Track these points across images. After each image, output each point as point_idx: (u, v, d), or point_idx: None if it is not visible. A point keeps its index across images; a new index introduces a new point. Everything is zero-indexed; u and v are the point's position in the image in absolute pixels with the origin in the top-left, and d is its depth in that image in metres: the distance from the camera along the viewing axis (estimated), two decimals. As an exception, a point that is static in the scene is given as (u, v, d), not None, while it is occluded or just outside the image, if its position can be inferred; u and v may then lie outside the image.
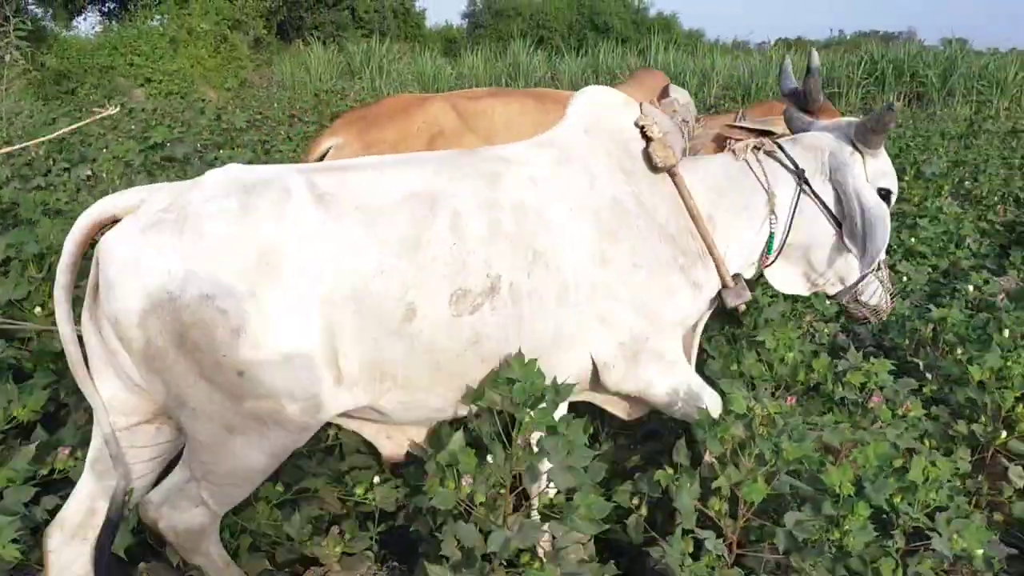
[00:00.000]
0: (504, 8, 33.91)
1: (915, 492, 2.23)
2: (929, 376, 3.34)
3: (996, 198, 6.84)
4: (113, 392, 2.18)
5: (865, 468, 2.30)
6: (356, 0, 28.96)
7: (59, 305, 2.12)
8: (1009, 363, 2.82)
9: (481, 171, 2.41)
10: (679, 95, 2.85)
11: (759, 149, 2.69)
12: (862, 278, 2.64)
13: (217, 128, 9.63)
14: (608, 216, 2.45)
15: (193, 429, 2.17)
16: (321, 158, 3.35)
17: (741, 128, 2.84)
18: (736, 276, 2.64)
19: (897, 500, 2.24)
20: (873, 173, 2.62)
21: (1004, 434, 2.79)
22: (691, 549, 2.26)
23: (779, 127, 2.87)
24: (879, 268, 2.70)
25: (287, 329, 2.09)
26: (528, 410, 2.07)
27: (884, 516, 2.31)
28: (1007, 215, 6.76)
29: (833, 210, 2.63)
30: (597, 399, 2.66)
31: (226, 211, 2.11)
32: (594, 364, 2.47)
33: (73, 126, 5.16)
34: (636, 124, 2.58)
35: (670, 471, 2.35)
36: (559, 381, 2.18)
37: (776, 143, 2.71)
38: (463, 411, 2.38)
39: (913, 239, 5.23)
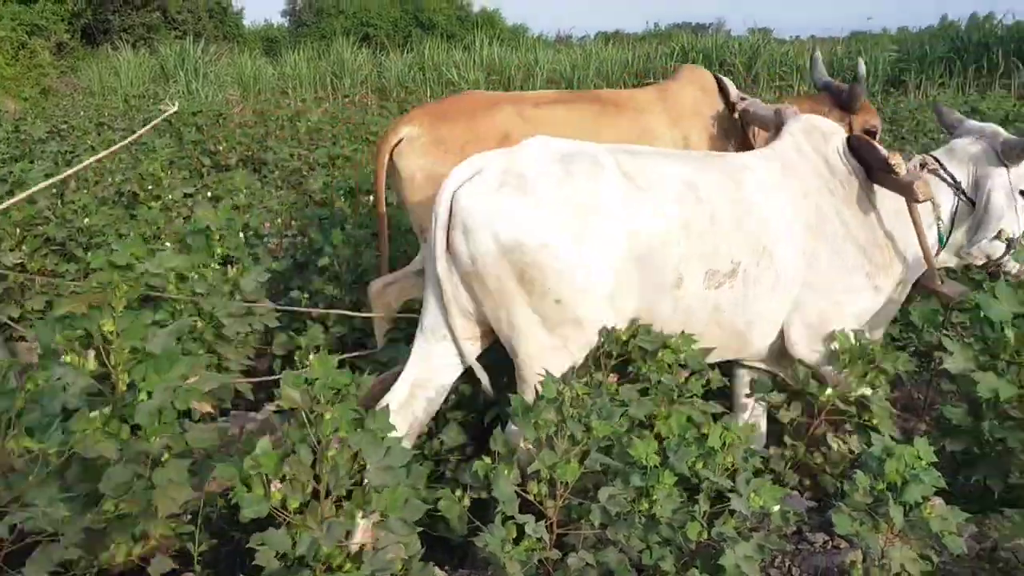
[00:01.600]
0: (326, 6, 33.24)
1: (714, 457, 2.36)
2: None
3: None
4: (455, 318, 2.84)
5: (669, 439, 2.42)
6: (167, 1, 27.58)
7: (440, 256, 2.74)
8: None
9: (730, 174, 2.99)
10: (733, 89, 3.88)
11: (924, 167, 3.21)
12: (1005, 254, 3.23)
13: (15, 140, 8.97)
14: (815, 223, 3.03)
15: (516, 343, 2.80)
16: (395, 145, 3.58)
17: None
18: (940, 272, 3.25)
19: (700, 466, 2.37)
20: (1016, 179, 3.21)
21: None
22: (514, 535, 2.31)
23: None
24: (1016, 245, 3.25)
25: (593, 273, 2.71)
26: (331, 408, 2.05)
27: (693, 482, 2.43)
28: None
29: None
30: (763, 364, 3.25)
31: (553, 175, 2.73)
32: (781, 338, 3.09)
33: (142, 130, 4.75)
34: (887, 161, 3.01)
35: (488, 460, 2.38)
36: (754, 351, 3.11)
37: (935, 159, 3.27)
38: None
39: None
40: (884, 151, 3.06)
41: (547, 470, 2.33)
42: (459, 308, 2.82)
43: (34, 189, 3.77)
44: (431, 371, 2.93)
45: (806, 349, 3.10)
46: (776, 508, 2.34)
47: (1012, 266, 3.28)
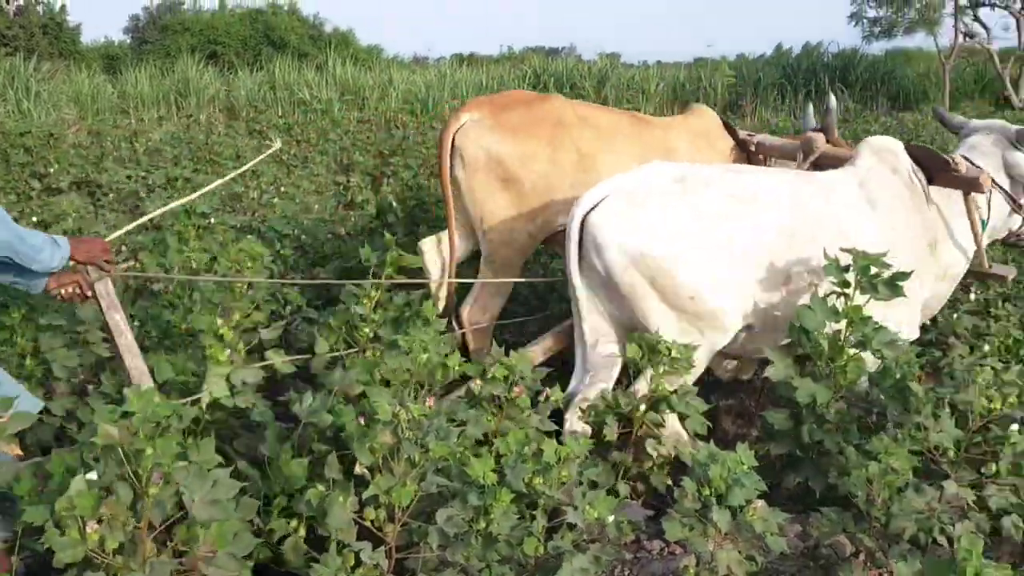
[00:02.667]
0: (171, 23, 32.01)
1: (550, 472, 2.40)
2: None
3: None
4: (593, 322, 3.33)
5: (506, 456, 2.44)
6: (-5, 15, 25.89)
7: (574, 270, 3.25)
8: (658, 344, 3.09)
9: (821, 192, 3.42)
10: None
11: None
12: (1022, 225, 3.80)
13: None
14: (888, 233, 3.37)
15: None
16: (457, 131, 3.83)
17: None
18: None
19: (536, 482, 2.40)
20: None
21: (642, 408, 3.06)
22: (352, 562, 2.26)
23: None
24: None
25: (718, 274, 3.14)
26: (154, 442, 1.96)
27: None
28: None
29: (1009, 191, 3.72)
30: None
31: (672, 194, 3.20)
32: None
33: (249, 164, 4.29)
34: (948, 163, 3.50)
35: (321, 488, 2.33)
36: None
37: (964, 157, 3.61)
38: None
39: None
40: (943, 155, 3.58)
41: (384, 495, 2.30)
42: (597, 313, 3.32)
43: None
44: (595, 374, 3.34)
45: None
46: (611, 519, 2.39)
47: None
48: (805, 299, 3.18)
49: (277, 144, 4.63)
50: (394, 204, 5.08)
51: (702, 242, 3.15)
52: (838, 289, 2.99)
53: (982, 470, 2.65)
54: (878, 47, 23.54)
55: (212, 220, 5.37)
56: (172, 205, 3.79)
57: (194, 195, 3.80)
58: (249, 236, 5.51)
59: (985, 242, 3.75)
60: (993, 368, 2.69)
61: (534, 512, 2.38)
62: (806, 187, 3.42)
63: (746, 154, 4.41)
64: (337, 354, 3.17)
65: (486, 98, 4.11)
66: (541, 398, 2.90)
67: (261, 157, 4.67)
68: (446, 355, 2.84)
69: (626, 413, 3.07)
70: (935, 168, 3.56)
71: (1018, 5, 19.54)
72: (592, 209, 3.19)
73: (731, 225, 3.19)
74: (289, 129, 13.41)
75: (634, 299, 3.19)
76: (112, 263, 2.97)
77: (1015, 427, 2.58)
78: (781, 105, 20.54)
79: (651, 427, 3.08)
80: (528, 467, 2.38)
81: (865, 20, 20.49)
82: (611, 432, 3.03)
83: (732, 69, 22.21)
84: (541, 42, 42.85)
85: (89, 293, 2.92)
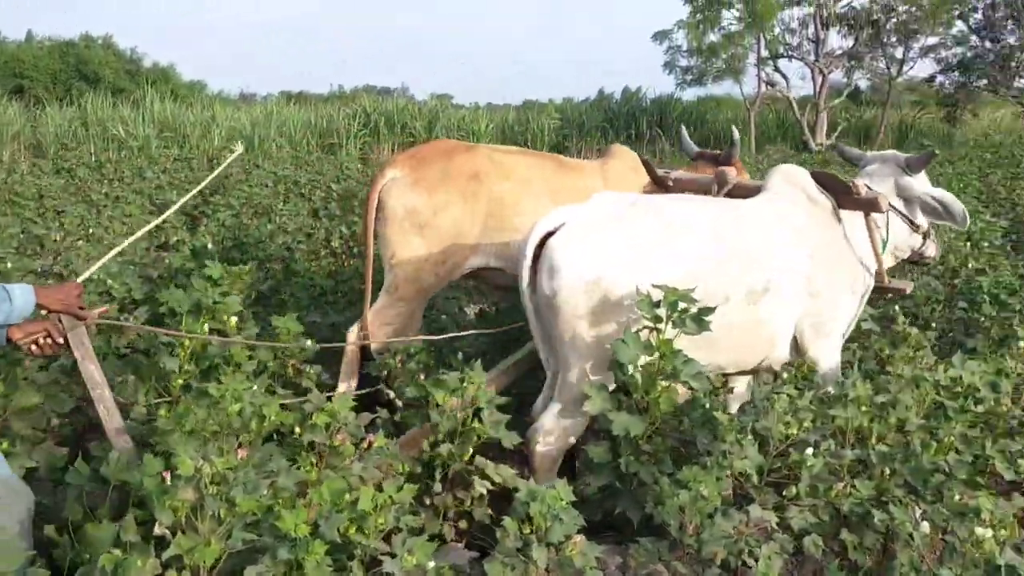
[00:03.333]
0: (-29, 56, 29.80)
1: (367, 520, 2.33)
2: (400, 403, 3.58)
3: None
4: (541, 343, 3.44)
5: (322, 507, 2.35)
6: None
7: (525, 291, 3.33)
8: (465, 383, 3.08)
9: (740, 217, 3.59)
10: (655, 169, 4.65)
11: None
12: (923, 244, 4.12)
13: None
14: (815, 252, 3.64)
15: (570, 359, 3.30)
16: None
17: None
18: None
19: (352, 532, 2.32)
20: (919, 184, 4.05)
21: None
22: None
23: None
24: (929, 235, 4.14)
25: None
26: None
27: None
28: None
29: (906, 212, 4.04)
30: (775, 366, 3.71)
31: (617, 220, 3.33)
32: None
33: (213, 174, 3.78)
34: (849, 186, 3.80)
35: (118, 553, 2.16)
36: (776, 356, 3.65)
37: (864, 183, 3.88)
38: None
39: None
40: (844, 180, 3.89)
41: (187, 555, 2.16)
42: (541, 334, 3.39)
43: None
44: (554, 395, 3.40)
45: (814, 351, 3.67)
46: (431, 565, 2.34)
47: (931, 251, 4.20)
48: (747, 317, 3.44)
49: (240, 149, 4.35)
50: (209, 246, 4.86)
51: (650, 267, 3.22)
52: (651, 324, 3.09)
53: (784, 493, 2.79)
54: (691, 93, 25.09)
55: (9, 264, 4.97)
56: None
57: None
58: (49, 281, 5.13)
59: (889, 261, 4.11)
60: (789, 395, 2.85)
61: (351, 563, 2.30)
62: (729, 215, 3.61)
63: (663, 190, 4.58)
64: (152, 403, 3.00)
65: (409, 153, 4.36)
66: (365, 444, 2.81)
67: (224, 165, 4.37)
68: (261, 405, 2.72)
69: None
70: (838, 192, 3.87)
71: (812, 57, 21.31)
72: (549, 235, 3.29)
73: (681, 251, 3.34)
74: (100, 167, 12.67)
75: (566, 320, 3.24)
76: (85, 309, 2.74)
77: (809, 451, 2.74)
78: (604, 146, 21.41)
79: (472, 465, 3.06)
80: (343, 516, 2.30)
81: (678, 68, 21.74)
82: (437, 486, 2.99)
83: (558, 112, 23.01)
84: (374, 81, 42.83)
85: (60, 342, 2.67)
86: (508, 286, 4.27)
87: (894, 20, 20.92)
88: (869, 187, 3.96)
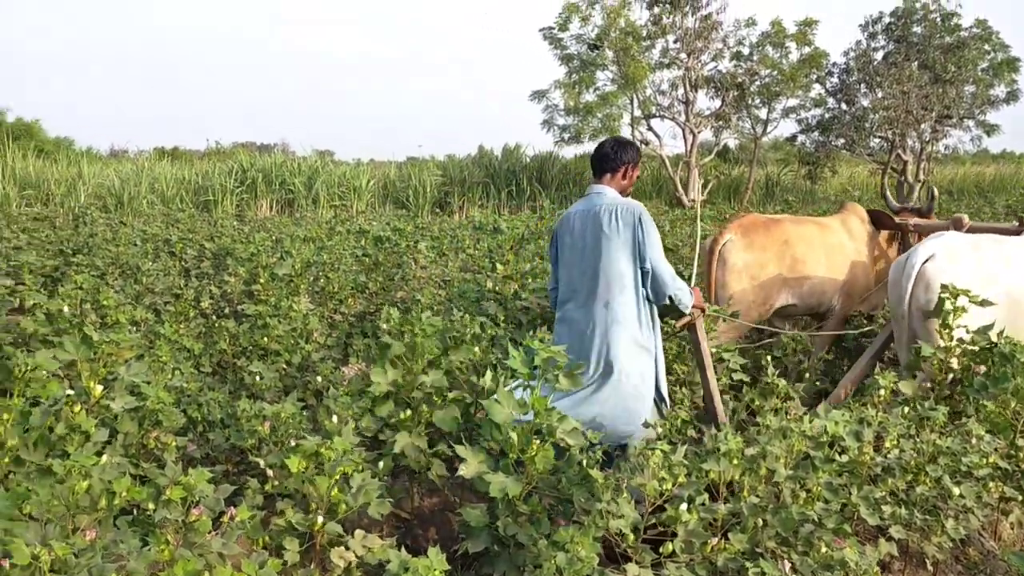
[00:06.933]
0: None
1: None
2: (271, 474, 3.41)
3: (347, 292, 7.50)
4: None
5: (176, 591, 2.19)
6: None
7: (905, 300, 4.75)
8: (323, 450, 2.97)
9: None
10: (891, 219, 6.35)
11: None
12: None
13: None
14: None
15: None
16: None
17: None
18: None
19: (209, 616, 2.17)
20: None
21: (320, 520, 2.89)
22: None
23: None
24: None
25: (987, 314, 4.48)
26: None
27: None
28: (357, 307, 7.47)
29: None
30: None
31: (970, 251, 4.77)
32: None
33: None
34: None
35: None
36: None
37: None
38: None
39: (266, 339, 5.42)
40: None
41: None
42: (907, 334, 4.72)
43: None
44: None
45: None
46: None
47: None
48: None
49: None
50: (65, 310, 4.58)
51: (991, 285, 4.60)
52: (525, 381, 3.07)
53: (660, 550, 2.78)
54: (570, 151, 25.70)
55: None
56: None
57: None
58: None
59: None
60: (662, 450, 2.86)
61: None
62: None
63: (900, 234, 6.23)
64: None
65: (736, 223, 5.87)
66: (226, 518, 2.65)
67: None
68: (111, 481, 2.53)
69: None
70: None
71: (683, 117, 22.22)
72: (926, 261, 4.67)
73: (1003, 280, 4.69)
74: (-48, 226, 11.90)
75: (933, 321, 4.52)
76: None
77: (684, 506, 2.74)
78: (486, 202, 21.62)
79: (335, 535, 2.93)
80: (199, 601, 2.14)
81: (556, 127, 22.26)
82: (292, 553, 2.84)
83: (439, 168, 23.12)
84: (252, 138, 42.06)
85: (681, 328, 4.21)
86: (797, 315, 6.06)
87: (758, 83, 22.08)
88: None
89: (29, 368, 3.24)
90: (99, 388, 3.45)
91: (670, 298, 3.86)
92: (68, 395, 3.15)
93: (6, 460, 2.69)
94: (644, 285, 3.81)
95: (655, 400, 3.84)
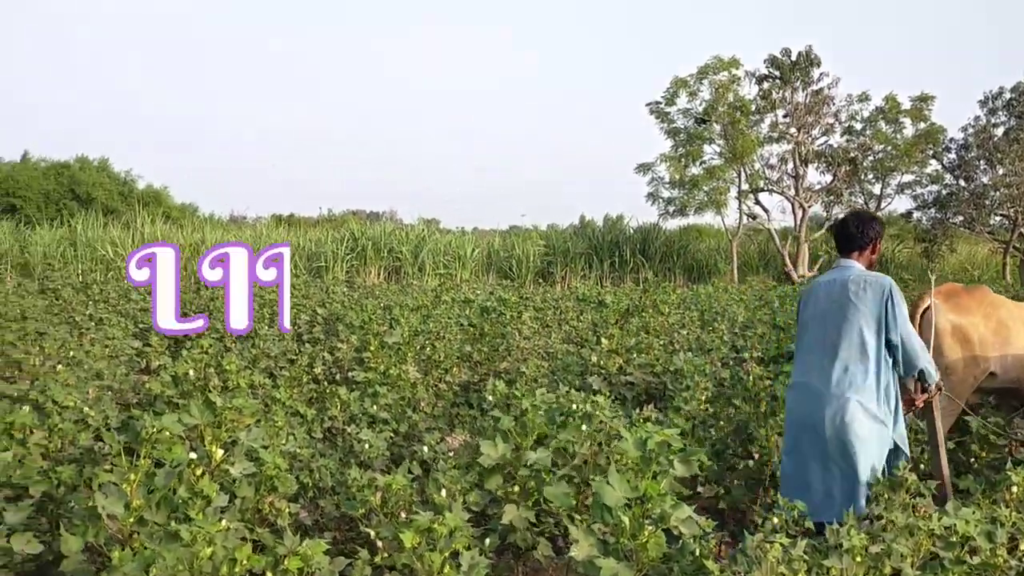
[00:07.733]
0: (-33, 176, 30.28)
1: None
2: (380, 545, 3.44)
3: (452, 361, 7.61)
4: None
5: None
6: None
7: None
8: (436, 525, 2.99)
9: None
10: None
11: None
12: None
13: None
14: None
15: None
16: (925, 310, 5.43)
17: None
18: None
19: None
20: None
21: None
22: None
23: None
24: None
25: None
26: None
27: None
28: (462, 376, 7.56)
29: None
30: None
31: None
32: None
33: None
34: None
35: None
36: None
37: None
38: None
39: (375, 407, 5.52)
40: None
41: None
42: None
43: None
44: None
45: None
46: None
47: None
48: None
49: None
50: (191, 373, 4.81)
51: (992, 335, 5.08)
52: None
53: (779, 647, 2.66)
54: (673, 224, 25.66)
55: (-16, 389, 4.87)
56: None
57: None
58: (24, 408, 5.01)
59: None
60: (781, 543, 2.76)
61: None
62: None
63: None
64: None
65: (935, 290, 5.67)
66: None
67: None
68: (234, 548, 2.60)
69: None
70: None
71: (792, 191, 21.91)
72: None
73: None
74: (86, 288, 12.66)
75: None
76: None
77: (806, 603, 2.63)
78: (588, 272, 21.67)
79: None
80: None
81: (661, 200, 22.26)
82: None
83: (542, 238, 23.38)
84: (363, 205, 43.54)
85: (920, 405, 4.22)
86: (990, 391, 5.68)
87: (871, 158, 21.65)
88: None
89: (156, 430, 3.39)
90: (220, 452, 3.58)
91: (920, 372, 3.97)
92: (191, 459, 3.28)
93: (131, 520, 2.79)
94: (888, 357, 3.91)
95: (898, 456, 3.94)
